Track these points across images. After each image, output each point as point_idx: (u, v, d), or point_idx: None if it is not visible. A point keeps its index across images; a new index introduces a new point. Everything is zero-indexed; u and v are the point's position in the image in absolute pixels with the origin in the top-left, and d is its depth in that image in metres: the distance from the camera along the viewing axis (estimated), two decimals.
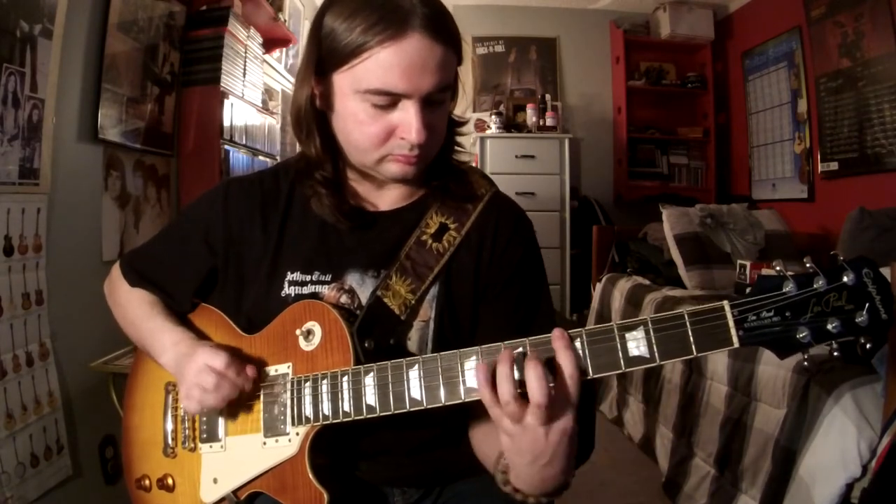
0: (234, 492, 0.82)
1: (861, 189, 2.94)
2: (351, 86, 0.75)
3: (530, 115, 3.96)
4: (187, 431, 0.87)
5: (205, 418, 0.85)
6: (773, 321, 0.59)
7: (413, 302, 0.81)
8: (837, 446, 1.39)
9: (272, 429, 0.79)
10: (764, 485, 1.60)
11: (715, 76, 4.23)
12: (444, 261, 0.83)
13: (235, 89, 2.27)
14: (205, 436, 0.85)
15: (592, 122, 4.37)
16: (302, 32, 3.22)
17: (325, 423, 0.76)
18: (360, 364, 0.75)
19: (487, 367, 0.64)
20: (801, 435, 1.50)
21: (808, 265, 0.60)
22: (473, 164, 1.15)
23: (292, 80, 1.98)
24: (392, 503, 0.88)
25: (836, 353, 0.59)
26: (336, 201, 0.84)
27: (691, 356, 0.61)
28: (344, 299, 0.83)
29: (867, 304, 0.58)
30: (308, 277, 0.84)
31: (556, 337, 0.63)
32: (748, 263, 2.48)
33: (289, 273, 0.84)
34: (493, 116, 3.90)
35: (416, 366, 0.70)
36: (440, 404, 0.69)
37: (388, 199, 0.88)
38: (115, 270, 0.96)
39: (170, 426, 0.88)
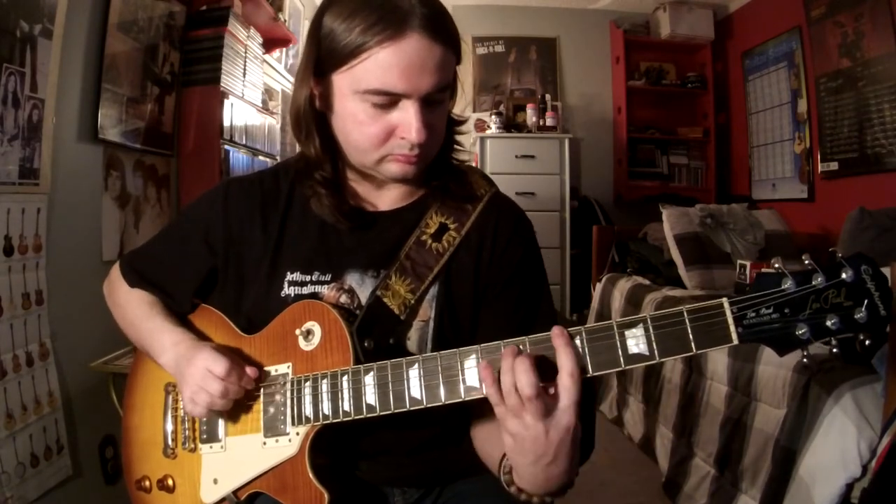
0: (235, 492, 0.82)
1: (861, 189, 2.94)
2: (350, 86, 0.75)
3: (530, 115, 3.96)
4: (187, 432, 0.87)
5: (205, 419, 0.85)
6: (773, 318, 0.59)
7: (413, 302, 0.82)
8: (837, 446, 1.39)
9: (272, 429, 0.79)
10: (764, 485, 1.60)
11: (715, 76, 4.23)
12: (444, 261, 0.83)
13: (235, 89, 2.27)
14: (205, 436, 0.85)
15: (592, 122, 4.37)
16: (302, 32, 3.22)
17: (325, 422, 0.76)
18: (359, 364, 0.75)
19: (493, 365, 0.64)
20: (801, 435, 1.50)
21: (806, 262, 0.60)
22: (473, 164, 1.15)
23: (292, 80, 1.98)
24: (392, 503, 0.88)
25: (835, 351, 0.59)
26: (336, 201, 0.84)
27: (691, 353, 0.61)
28: (343, 299, 0.83)
29: (866, 301, 0.58)
30: (308, 277, 0.84)
31: (556, 335, 0.63)
32: (748, 263, 2.48)
33: (288, 273, 0.84)
34: (493, 116, 3.91)
35: (416, 365, 0.70)
36: (440, 403, 0.69)
37: (387, 199, 0.88)
38: (115, 271, 0.96)
39: (170, 427, 0.88)
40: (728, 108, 4.25)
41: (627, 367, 0.62)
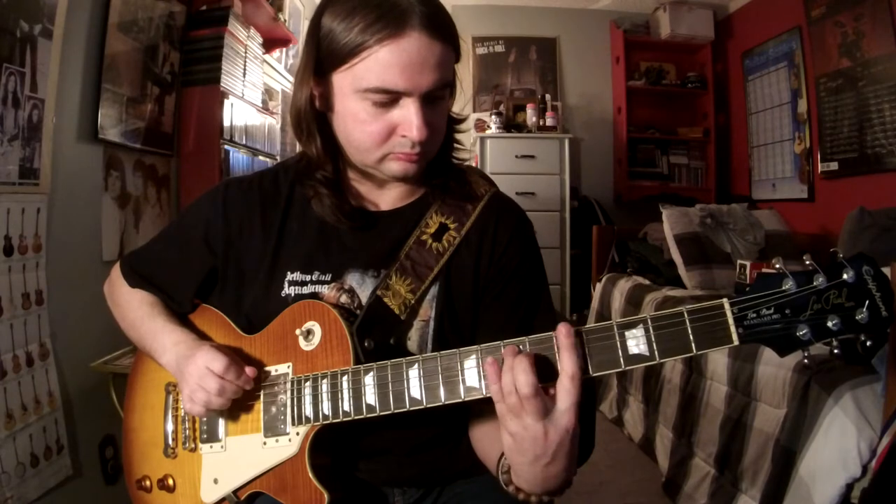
0: (235, 492, 0.82)
1: (861, 189, 2.93)
2: (351, 85, 0.75)
3: (530, 115, 3.96)
4: (187, 432, 0.87)
5: (205, 419, 0.85)
6: (773, 319, 0.59)
7: (413, 302, 0.81)
8: (837, 446, 1.39)
9: (272, 429, 0.79)
10: (764, 485, 1.60)
11: (715, 76, 4.23)
12: (444, 260, 0.83)
13: (235, 89, 2.27)
14: (205, 436, 0.85)
15: (592, 122, 4.37)
16: (302, 32, 3.22)
17: (325, 422, 0.76)
18: (359, 364, 0.75)
19: (498, 363, 0.64)
20: (801, 435, 1.50)
21: (807, 263, 0.59)
22: (473, 164, 1.15)
23: (292, 80, 1.98)
24: (392, 503, 0.88)
25: (836, 352, 0.59)
26: (337, 201, 0.84)
27: (691, 354, 0.61)
28: (344, 299, 0.83)
29: (867, 302, 0.58)
30: (308, 277, 0.84)
31: (563, 334, 0.63)
32: (748, 263, 2.47)
33: (289, 273, 0.84)
34: (493, 116, 3.90)
35: (416, 365, 0.70)
36: (440, 403, 0.69)
37: (388, 198, 0.88)
38: (115, 272, 0.96)
39: (170, 427, 0.88)
40: (728, 108, 4.24)
41: (627, 368, 0.62)
